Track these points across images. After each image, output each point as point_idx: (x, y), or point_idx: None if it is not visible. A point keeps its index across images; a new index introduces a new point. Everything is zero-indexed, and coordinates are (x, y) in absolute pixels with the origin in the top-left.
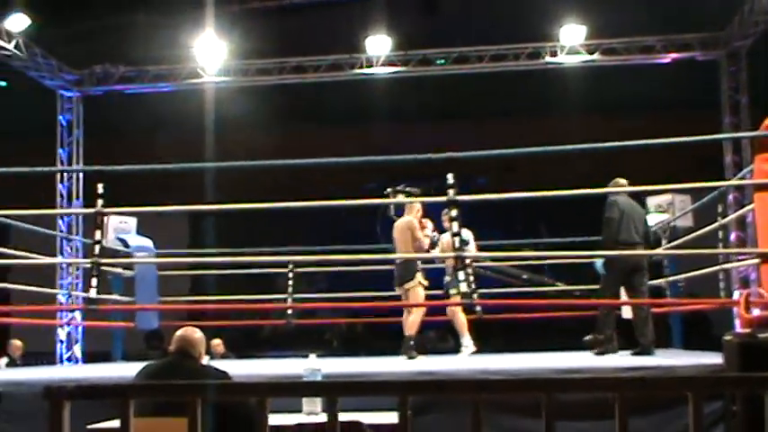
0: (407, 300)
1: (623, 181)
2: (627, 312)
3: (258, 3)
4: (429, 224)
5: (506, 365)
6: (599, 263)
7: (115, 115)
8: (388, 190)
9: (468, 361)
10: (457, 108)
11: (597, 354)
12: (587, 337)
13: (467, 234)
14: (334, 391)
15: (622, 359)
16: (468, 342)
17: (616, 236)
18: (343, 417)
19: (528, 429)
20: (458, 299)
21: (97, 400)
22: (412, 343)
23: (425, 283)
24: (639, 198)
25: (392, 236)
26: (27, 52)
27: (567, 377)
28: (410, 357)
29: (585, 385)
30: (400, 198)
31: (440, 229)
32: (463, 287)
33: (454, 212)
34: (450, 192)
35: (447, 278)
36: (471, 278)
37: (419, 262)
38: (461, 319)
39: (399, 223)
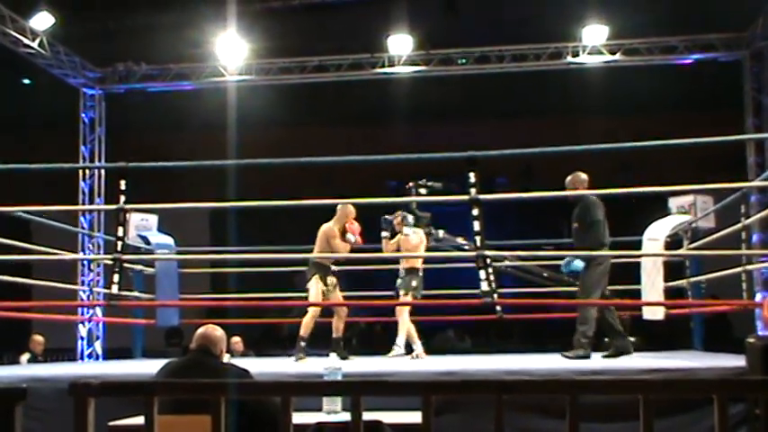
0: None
1: (584, 176)
2: (649, 313)
3: (279, 2)
4: (356, 226)
5: (527, 366)
6: (580, 264)
7: (137, 113)
8: (411, 184)
9: (407, 362)
10: (478, 108)
11: (605, 356)
12: (608, 338)
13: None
14: (360, 391)
15: (644, 360)
16: (402, 342)
17: (602, 237)
18: (364, 416)
19: (549, 430)
20: (408, 299)
21: (120, 397)
22: (303, 344)
23: (323, 287)
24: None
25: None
26: (51, 50)
27: (592, 378)
28: (297, 359)
29: (611, 387)
30: (423, 192)
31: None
32: (484, 286)
33: (476, 211)
34: (473, 191)
35: (399, 280)
36: (492, 277)
37: (323, 265)
38: (405, 321)
39: (322, 227)
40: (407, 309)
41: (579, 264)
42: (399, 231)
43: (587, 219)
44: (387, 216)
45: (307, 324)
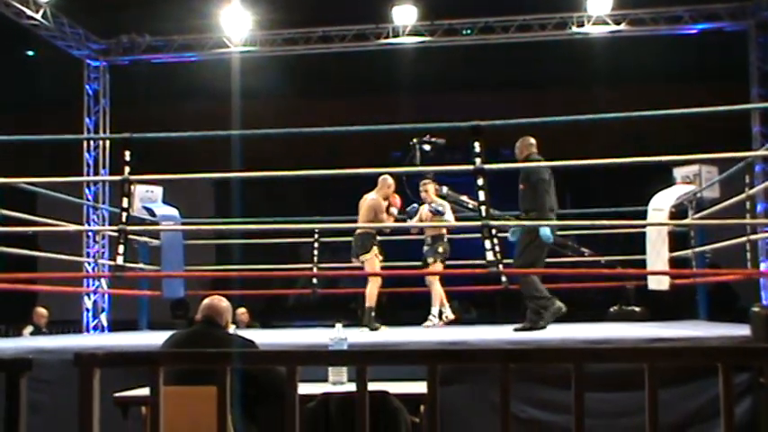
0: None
1: (532, 139)
2: (654, 283)
3: None
4: (398, 200)
5: (533, 336)
6: (517, 232)
7: (141, 85)
8: (414, 141)
9: (432, 333)
10: (482, 78)
11: (516, 330)
12: (613, 308)
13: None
14: (365, 361)
15: (649, 330)
16: (437, 313)
17: (548, 200)
18: (369, 386)
19: (555, 400)
20: (437, 266)
21: (125, 368)
22: (373, 314)
23: (380, 256)
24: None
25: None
26: (54, 22)
27: (598, 347)
28: (372, 329)
29: (616, 356)
30: (426, 148)
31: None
32: (489, 256)
33: (480, 181)
34: (477, 160)
35: (425, 247)
36: (497, 248)
37: (375, 235)
38: (437, 290)
39: (366, 199)
40: (437, 276)
41: (516, 232)
42: (426, 201)
43: (532, 178)
44: (415, 205)
45: (372, 294)
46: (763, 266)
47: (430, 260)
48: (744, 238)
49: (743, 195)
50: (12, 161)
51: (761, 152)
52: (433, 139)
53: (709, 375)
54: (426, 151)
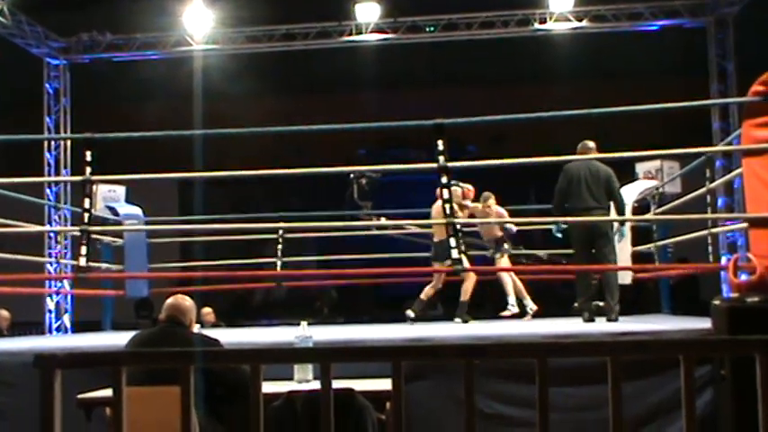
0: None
1: (591, 144)
2: (624, 278)
3: None
4: (470, 191)
5: (499, 331)
6: (555, 229)
7: (103, 83)
8: (351, 176)
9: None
10: (446, 75)
11: (586, 320)
12: (576, 304)
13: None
14: (328, 358)
15: (611, 325)
16: (514, 301)
17: (562, 205)
18: (335, 384)
19: (520, 395)
20: (505, 261)
21: (88, 369)
22: (466, 308)
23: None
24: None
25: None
26: (13, 20)
27: (560, 341)
28: (464, 321)
29: (579, 350)
30: (363, 182)
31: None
32: (454, 254)
33: (444, 179)
34: (441, 158)
35: (491, 249)
36: (462, 246)
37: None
38: (508, 280)
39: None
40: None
41: (554, 228)
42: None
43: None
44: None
45: (466, 289)
46: (723, 260)
47: (497, 256)
48: (705, 232)
49: (703, 190)
50: None
51: (720, 147)
52: (368, 174)
53: (671, 368)
54: (363, 185)
